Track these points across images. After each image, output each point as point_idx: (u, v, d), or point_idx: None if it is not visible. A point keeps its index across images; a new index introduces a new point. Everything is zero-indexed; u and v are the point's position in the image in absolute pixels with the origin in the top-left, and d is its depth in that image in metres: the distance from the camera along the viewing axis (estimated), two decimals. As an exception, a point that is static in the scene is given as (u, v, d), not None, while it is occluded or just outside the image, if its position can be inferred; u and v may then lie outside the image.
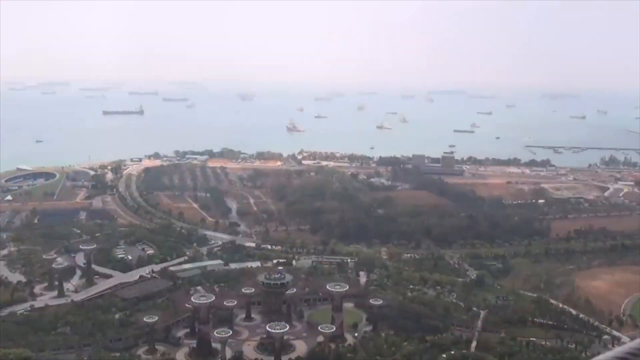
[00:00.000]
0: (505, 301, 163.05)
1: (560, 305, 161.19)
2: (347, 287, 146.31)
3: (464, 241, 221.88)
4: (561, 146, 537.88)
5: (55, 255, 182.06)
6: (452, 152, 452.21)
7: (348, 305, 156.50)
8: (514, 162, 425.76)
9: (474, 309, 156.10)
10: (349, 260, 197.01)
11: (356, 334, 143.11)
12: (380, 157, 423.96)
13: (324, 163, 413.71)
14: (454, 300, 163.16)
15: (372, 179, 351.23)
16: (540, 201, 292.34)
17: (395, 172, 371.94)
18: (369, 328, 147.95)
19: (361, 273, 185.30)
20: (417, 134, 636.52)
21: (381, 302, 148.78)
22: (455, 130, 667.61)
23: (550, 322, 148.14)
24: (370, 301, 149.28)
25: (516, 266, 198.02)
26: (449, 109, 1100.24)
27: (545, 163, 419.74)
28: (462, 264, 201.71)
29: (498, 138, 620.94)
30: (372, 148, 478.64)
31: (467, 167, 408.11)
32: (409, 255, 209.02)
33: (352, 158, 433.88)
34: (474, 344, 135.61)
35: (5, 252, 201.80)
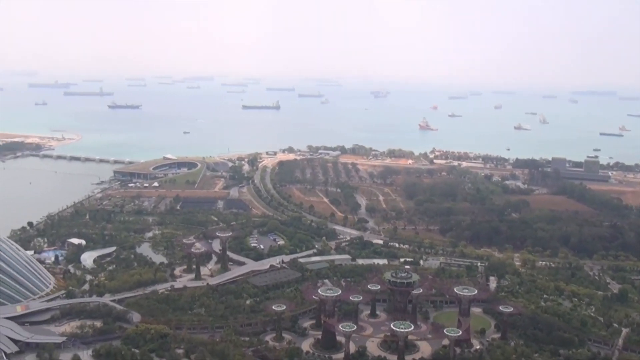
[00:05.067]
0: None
1: None
2: (476, 292, 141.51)
3: (606, 252, 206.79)
4: None
5: (194, 240, 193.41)
6: (596, 157, 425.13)
7: (476, 310, 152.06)
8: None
9: (615, 325, 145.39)
10: (478, 264, 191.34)
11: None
12: (516, 158, 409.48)
13: (456, 163, 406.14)
14: (592, 314, 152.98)
15: (507, 181, 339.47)
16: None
17: (532, 175, 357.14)
18: (497, 335, 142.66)
19: (491, 278, 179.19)
20: (557, 136, 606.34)
21: (511, 309, 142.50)
22: (601, 134, 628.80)
23: None
24: (500, 308, 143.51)
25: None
26: (594, 110, 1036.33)
27: None
28: (603, 276, 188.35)
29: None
30: (509, 149, 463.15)
31: (614, 173, 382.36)
32: (543, 263, 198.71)
33: (486, 159, 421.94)
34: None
35: (150, 234, 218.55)
